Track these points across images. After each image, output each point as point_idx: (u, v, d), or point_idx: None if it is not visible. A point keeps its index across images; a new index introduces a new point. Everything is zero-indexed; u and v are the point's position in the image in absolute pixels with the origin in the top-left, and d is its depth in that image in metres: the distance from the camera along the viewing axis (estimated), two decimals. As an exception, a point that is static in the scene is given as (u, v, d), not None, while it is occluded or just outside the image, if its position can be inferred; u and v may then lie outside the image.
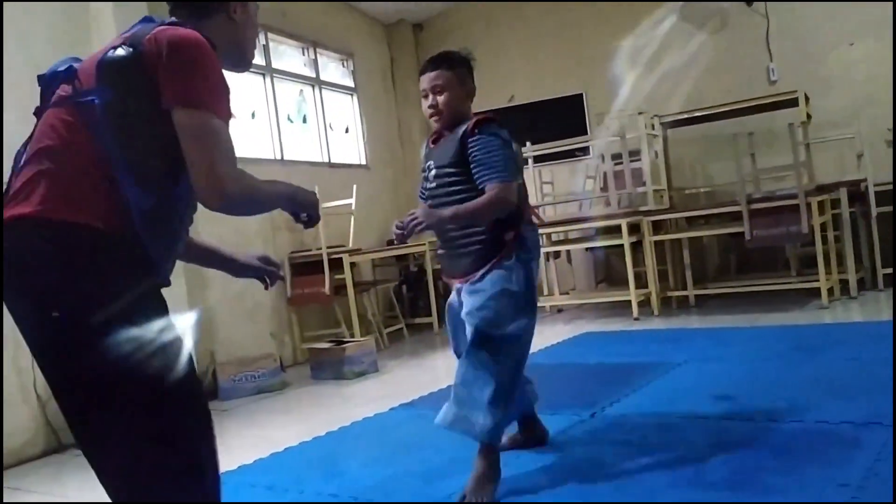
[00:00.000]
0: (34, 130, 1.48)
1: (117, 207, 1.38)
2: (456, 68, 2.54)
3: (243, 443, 3.56)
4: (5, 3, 3.98)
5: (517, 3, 7.72)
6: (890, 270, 5.74)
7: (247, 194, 1.47)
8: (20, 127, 1.75)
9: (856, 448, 2.40)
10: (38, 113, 1.51)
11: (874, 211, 5.73)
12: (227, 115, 1.44)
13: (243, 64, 1.70)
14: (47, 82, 1.51)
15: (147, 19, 1.52)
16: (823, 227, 5.63)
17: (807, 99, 5.94)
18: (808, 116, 6.01)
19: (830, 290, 5.52)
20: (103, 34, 4.31)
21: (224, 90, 1.45)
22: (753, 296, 6.04)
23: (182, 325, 1.45)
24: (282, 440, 3.39)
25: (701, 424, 2.87)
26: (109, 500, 1.41)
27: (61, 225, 1.36)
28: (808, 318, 5.09)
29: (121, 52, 1.42)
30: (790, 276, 6.05)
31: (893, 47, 6.02)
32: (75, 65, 1.49)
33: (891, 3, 5.99)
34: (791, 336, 4.48)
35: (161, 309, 1.43)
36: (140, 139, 1.40)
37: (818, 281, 5.42)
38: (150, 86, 1.39)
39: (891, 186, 5.66)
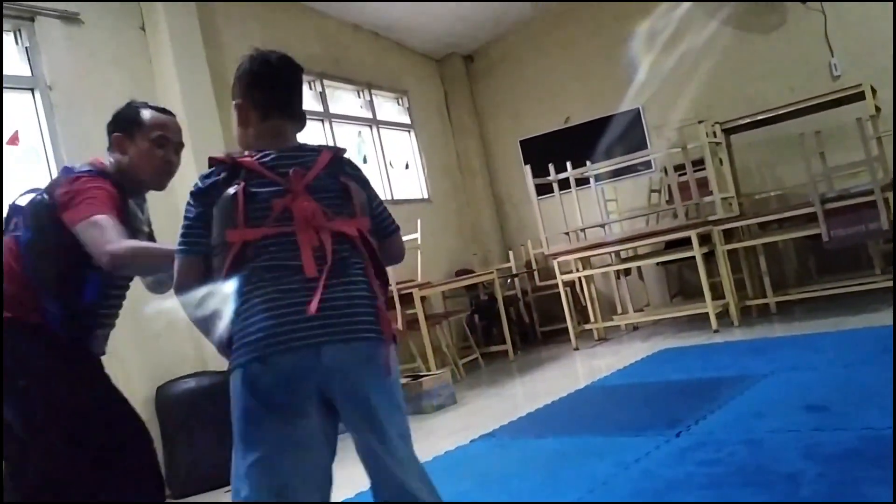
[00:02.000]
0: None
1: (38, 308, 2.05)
2: None
3: (343, 482, 3.60)
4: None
5: (564, 26, 7.74)
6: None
7: (129, 258, 1.97)
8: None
9: (962, 453, 2.28)
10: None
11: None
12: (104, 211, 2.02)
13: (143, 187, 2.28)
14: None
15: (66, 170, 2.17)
16: (905, 221, 5.40)
17: (873, 91, 5.74)
18: (878, 109, 5.80)
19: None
20: (170, 104, 4.57)
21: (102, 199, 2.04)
22: (837, 298, 5.81)
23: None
24: (356, 480, 3.41)
25: (792, 438, 2.77)
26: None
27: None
28: (899, 318, 4.86)
29: (39, 198, 2.11)
30: (874, 275, 5.80)
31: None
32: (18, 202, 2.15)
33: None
34: (881, 338, 4.28)
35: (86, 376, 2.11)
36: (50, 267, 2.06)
37: (904, 280, 5.18)
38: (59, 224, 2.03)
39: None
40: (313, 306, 1.58)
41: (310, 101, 6.43)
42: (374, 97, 7.23)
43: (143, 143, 2.19)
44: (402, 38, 7.58)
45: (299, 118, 1.85)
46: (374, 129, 7.17)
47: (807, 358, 4.14)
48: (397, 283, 5.79)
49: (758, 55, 6.76)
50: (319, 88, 6.50)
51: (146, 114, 2.21)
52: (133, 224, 2.16)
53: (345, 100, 6.95)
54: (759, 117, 6.17)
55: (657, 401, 3.91)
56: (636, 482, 2.65)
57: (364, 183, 1.81)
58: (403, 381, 5.08)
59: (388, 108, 7.55)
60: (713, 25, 6.94)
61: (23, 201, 2.15)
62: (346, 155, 1.85)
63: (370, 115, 7.15)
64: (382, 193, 7.04)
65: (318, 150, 1.77)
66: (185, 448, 3.99)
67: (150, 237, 2.33)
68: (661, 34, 7.23)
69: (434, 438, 4.11)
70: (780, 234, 6.05)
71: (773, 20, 6.79)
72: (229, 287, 1.62)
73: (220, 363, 1.74)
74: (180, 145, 2.28)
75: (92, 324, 2.16)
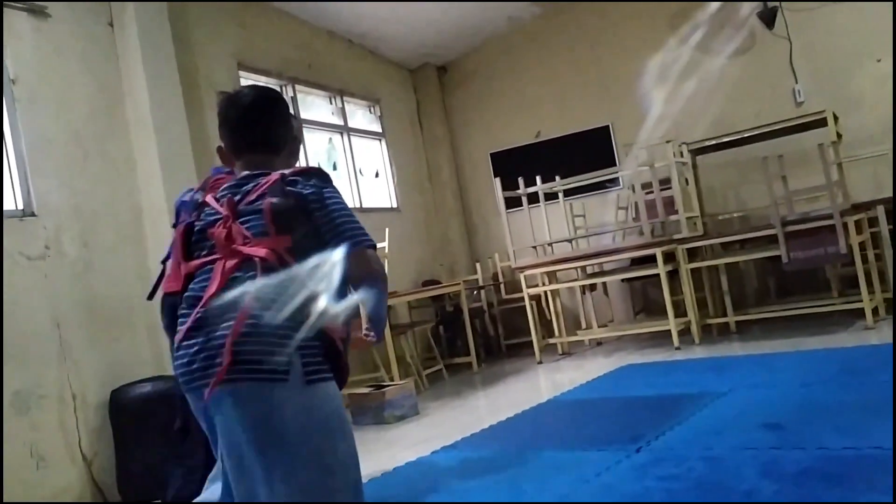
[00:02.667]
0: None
1: None
2: None
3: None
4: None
5: (538, 42, 7.81)
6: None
7: None
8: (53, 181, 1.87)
9: (914, 474, 2.33)
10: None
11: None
12: None
13: None
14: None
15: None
16: (863, 245, 5.53)
17: (835, 118, 5.89)
18: (839, 135, 5.95)
19: (875, 310, 5.39)
20: (137, 104, 4.53)
21: None
22: (796, 319, 5.92)
23: None
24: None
25: (750, 455, 2.80)
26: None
27: None
28: (854, 340, 4.97)
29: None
30: (832, 298, 5.93)
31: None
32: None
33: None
34: (838, 359, 4.37)
35: None
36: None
37: (861, 301, 5.30)
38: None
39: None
40: (178, 338, 1.63)
41: (281, 105, 6.38)
42: (346, 104, 7.21)
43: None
44: (376, 46, 7.58)
45: (273, 149, 1.85)
46: (346, 137, 7.14)
47: (765, 377, 4.20)
48: (363, 292, 5.76)
49: (725, 79, 6.87)
50: (291, 93, 6.46)
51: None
52: None
53: (317, 106, 6.91)
54: (725, 139, 6.29)
55: (619, 416, 3.94)
56: (596, 496, 2.66)
57: (320, 199, 1.70)
58: (366, 390, 5.05)
59: (360, 115, 7.53)
60: (684, 48, 7.06)
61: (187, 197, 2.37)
62: (319, 168, 1.86)
63: (341, 123, 7.12)
64: (351, 201, 7.01)
65: (270, 174, 1.74)
66: (140, 452, 3.90)
67: None
68: (636, 52, 7.34)
69: (395, 449, 4.09)
70: (741, 254, 6.15)
71: (741, 45, 6.92)
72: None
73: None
74: None
75: None
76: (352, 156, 7.16)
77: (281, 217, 1.65)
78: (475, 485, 3.05)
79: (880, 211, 5.67)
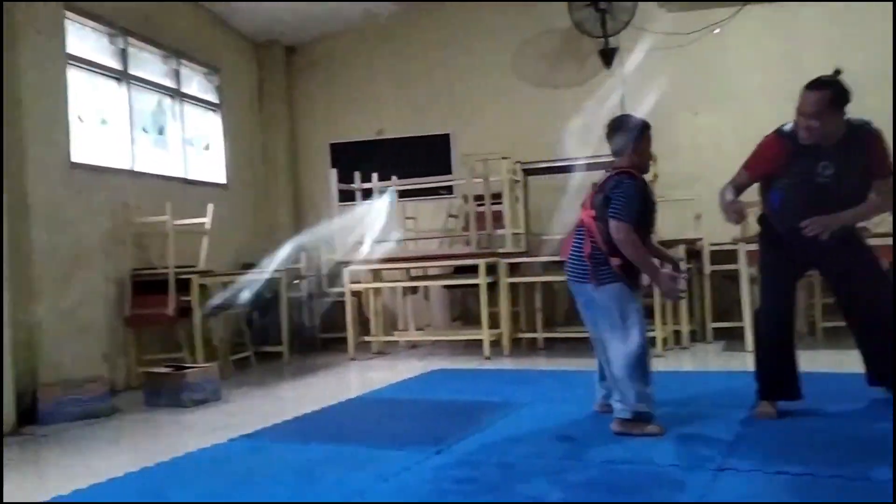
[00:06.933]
0: None
1: None
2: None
3: (62, 472, 3.27)
4: None
5: (394, 39, 7.80)
6: (719, 325, 6.18)
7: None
8: None
9: (681, 489, 2.52)
10: None
11: (707, 269, 6.17)
12: None
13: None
14: None
15: None
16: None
17: (654, 159, 6.33)
18: (655, 176, 6.41)
19: (665, 340, 5.85)
20: None
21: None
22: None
23: None
24: (105, 470, 3.13)
25: (541, 464, 2.92)
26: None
27: None
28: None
29: None
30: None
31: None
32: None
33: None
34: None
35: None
36: None
37: (654, 331, 5.72)
38: None
39: (721, 247, 6.11)
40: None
41: (108, 57, 5.89)
42: (182, 67, 6.79)
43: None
44: (223, 12, 7.20)
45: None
46: (178, 102, 6.72)
47: (565, 392, 4.42)
48: (175, 266, 5.44)
49: (565, 107, 7.21)
50: (122, 45, 5.97)
51: None
52: None
53: (150, 63, 6.44)
54: (557, 164, 6.58)
55: (424, 418, 3.98)
56: (391, 495, 2.65)
57: (616, 191, 3.25)
58: (165, 371, 4.76)
59: (196, 82, 7.12)
60: (530, 72, 7.36)
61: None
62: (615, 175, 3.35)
63: (175, 86, 6.69)
64: (176, 171, 6.60)
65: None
66: None
67: None
68: (483, 66, 7.54)
69: (189, 434, 3.89)
70: (558, 275, 6.44)
71: (579, 77, 7.31)
72: None
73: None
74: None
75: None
76: (182, 123, 6.75)
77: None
78: (268, 477, 2.94)
79: (680, 250, 6.15)
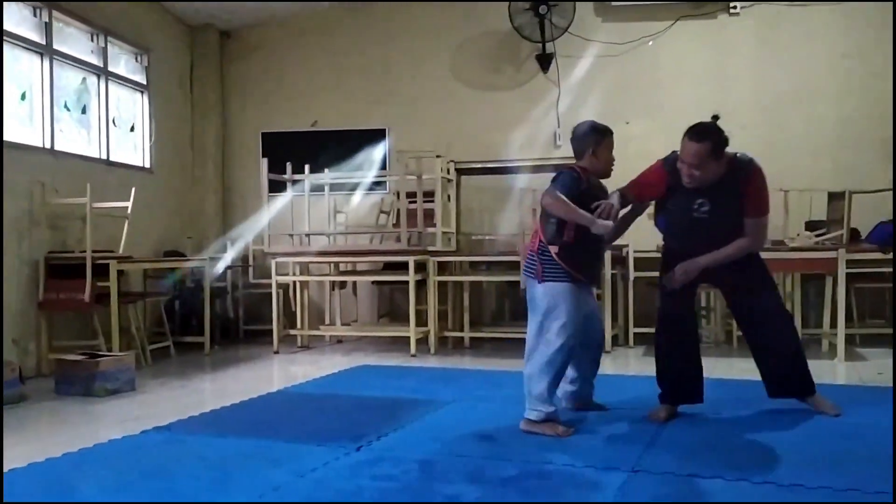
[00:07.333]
0: None
1: None
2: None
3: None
4: None
5: (332, 32, 7.71)
6: (640, 330, 6.33)
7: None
8: None
9: (597, 490, 2.57)
10: None
11: (632, 275, 6.31)
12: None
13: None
14: None
15: None
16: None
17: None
18: (586, 182, 6.53)
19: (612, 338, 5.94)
20: None
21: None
22: (524, 341, 6.35)
23: None
24: (7, 460, 2.98)
25: (461, 462, 2.93)
26: None
27: None
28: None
29: None
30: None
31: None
32: None
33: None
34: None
35: None
36: None
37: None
38: None
39: (646, 254, 6.26)
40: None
41: (30, 30, 5.62)
42: (109, 45, 6.54)
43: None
44: (156, -8, 6.99)
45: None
46: (103, 80, 6.47)
47: (488, 391, 4.45)
48: (93, 251, 5.24)
49: (501, 109, 7.28)
50: (45, 18, 5.71)
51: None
52: None
53: (75, 39, 6.18)
54: (490, 165, 6.64)
55: (346, 414, 3.94)
56: (308, 491, 2.61)
57: (555, 181, 3.45)
58: (77, 358, 4.58)
59: (124, 62, 6.87)
60: (466, 72, 7.39)
61: None
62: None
63: (101, 64, 6.44)
64: (98, 152, 6.35)
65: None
66: None
67: None
68: (422, 63, 7.53)
69: (100, 425, 3.77)
70: (486, 275, 6.51)
71: (517, 80, 7.38)
72: None
73: None
74: None
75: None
76: (107, 103, 6.50)
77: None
78: (181, 470, 2.86)
79: (607, 256, 6.29)
